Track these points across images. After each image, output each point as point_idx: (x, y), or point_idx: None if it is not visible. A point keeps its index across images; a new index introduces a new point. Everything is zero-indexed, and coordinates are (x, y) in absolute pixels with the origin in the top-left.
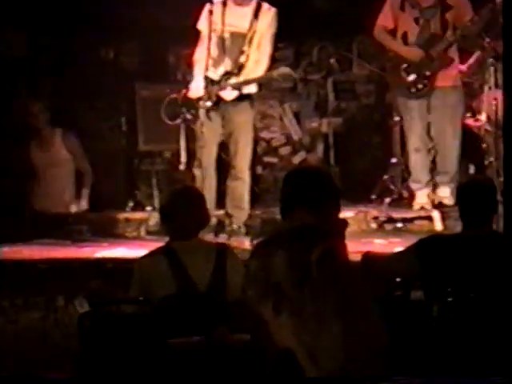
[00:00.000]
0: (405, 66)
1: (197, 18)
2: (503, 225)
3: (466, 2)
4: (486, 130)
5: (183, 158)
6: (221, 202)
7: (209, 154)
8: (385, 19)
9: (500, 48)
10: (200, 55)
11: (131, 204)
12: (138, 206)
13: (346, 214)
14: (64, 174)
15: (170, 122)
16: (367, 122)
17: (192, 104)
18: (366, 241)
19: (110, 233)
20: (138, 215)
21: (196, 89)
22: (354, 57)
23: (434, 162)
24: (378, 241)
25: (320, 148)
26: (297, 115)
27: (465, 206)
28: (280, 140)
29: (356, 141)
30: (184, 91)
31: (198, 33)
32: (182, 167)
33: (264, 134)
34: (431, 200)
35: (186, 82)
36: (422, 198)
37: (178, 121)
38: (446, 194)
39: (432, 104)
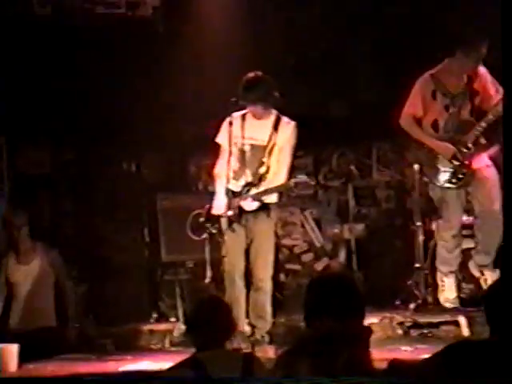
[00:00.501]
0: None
1: (216, 129)
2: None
3: (490, 85)
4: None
5: (209, 272)
6: None
7: (234, 265)
8: (414, 108)
9: None
10: (221, 169)
11: (155, 315)
12: (162, 318)
13: (370, 320)
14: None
15: (196, 238)
16: (388, 227)
17: (216, 219)
18: (392, 347)
19: (134, 345)
20: (162, 326)
21: (219, 205)
22: (373, 163)
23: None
24: (404, 347)
25: (342, 254)
26: (318, 222)
27: (491, 311)
28: (302, 247)
29: (378, 246)
30: (208, 206)
31: (217, 145)
32: (207, 281)
33: (286, 241)
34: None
35: (206, 193)
36: (450, 290)
37: (204, 235)
38: (484, 262)
39: (472, 186)
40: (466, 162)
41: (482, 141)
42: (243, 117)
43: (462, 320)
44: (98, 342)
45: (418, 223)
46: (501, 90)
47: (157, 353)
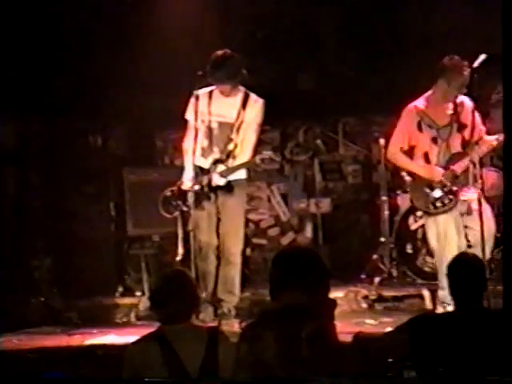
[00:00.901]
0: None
1: (183, 103)
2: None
3: (478, 119)
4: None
5: (180, 249)
6: None
7: (207, 240)
8: (399, 141)
9: None
10: (188, 145)
11: (121, 289)
12: (128, 292)
13: (335, 293)
14: None
15: (168, 215)
16: (355, 202)
17: (185, 195)
18: (357, 321)
19: (100, 319)
20: (128, 300)
21: (187, 180)
22: (339, 137)
23: None
24: (368, 321)
25: (309, 228)
26: (284, 196)
27: (454, 284)
28: (268, 221)
29: (344, 220)
30: (178, 184)
31: (185, 120)
32: (179, 258)
33: (252, 216)
34: None
35: (173, 167)
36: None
37: (176, 213)
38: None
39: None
40: (454, 189)
41: (475, 171)
42: (210, 94)
43: (426, 293)
44: (64, 316)
45: (384, 198)
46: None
47: (122, 327)
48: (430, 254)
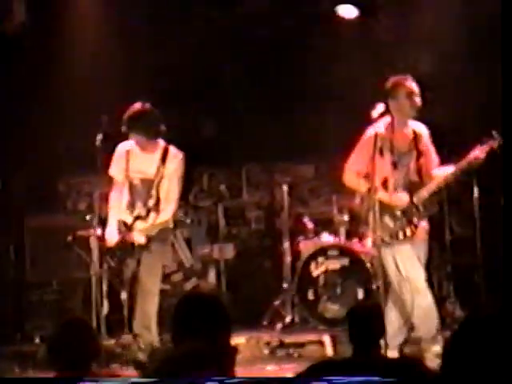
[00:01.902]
0: (392, 211)
1: (87, 147)
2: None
3: (431, 149)
4: (373, 254)
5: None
6: None
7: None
8: (358, 164)
9: None
10: (114, 201)
11: (19, 336)
12: (27, 339)
13: (237, 339)
14: None
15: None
16: (258, 248)
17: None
18: (259, 367)
19: None
20: (27, 348)
21: (110, 233)
22: (243, 183)
23: None
24: (270, 367)
25: (212, 274)
26: (188, 242)
27: (354, 331)
28: (172, 267)
29: (247, 266)
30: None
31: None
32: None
33: None
34: None
35: (75, 212)
36: None
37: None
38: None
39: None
40: (415, 220)
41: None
42: (130, 150)
43: (327, 339)
44: None
45: (286, 244)
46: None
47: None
48: (331, 300)
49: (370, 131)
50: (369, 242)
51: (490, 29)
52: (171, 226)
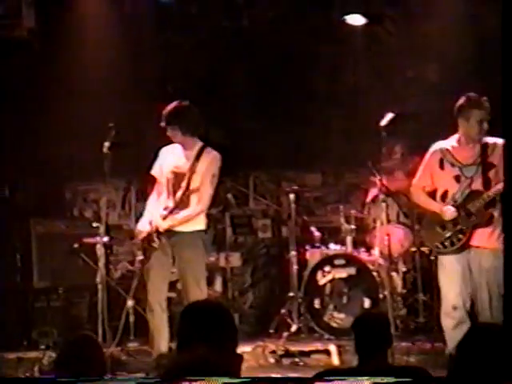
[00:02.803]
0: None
1: (94, 153)
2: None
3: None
4: (380, 264)
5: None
6: None
7: (156, 293)
8: (423, 180)
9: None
10: (152, 197)
11: (25, 343)
12: (33, 345)
13: (243, 348)
14: None
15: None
16: (264, 256)
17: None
18: (264, 376)
19: (3, 374)
20: (32, 354)
21: (141, 226)
22: (250, 191)
23: None
24: (275, 376)
25: (218, 282)
26: None
27: (360, 341)
28: (178, 274)
29: (253, 275)
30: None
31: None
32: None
33: None
34: None
35: (82, 218)
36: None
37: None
38: None
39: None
40: (465, 229)
41: (494, 213)
42: (170, 148)
43: (333, 348)
44: None
45: (293, 252)
46: None
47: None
48: (338, 309)
49: (434, 146)
50: (376, 251)
51: (496, 39)
52: (202, 227)
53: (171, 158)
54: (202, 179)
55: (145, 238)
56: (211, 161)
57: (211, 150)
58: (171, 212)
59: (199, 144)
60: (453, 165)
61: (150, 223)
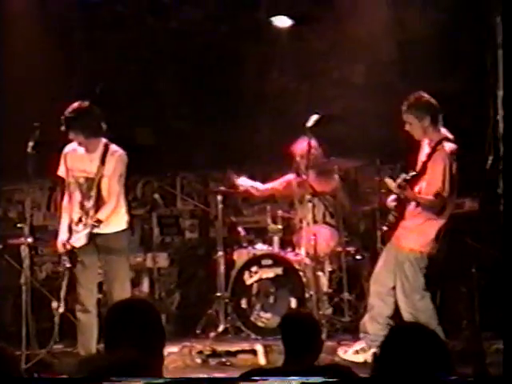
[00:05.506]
0: None
1: (19, 152)
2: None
3: None
4: (306, 264)
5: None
6: None
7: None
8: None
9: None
10: (66, 203)
11: None
12: None
13: (170, 348)
14: None
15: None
16: (191, 257)
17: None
18: (191, 376)
19: None
20: None
21: (59, 241)
22: (177, 192)
23: None
24: (201, 376)
25: (145, 283)
26: None
27: (286, 340)
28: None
29: (181, 275)
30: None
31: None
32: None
33: None
34: None
35: (6, 219)
36: None
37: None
38: None
39: None
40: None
41: None
42: (73, 150)
43: (259, 348)
44: None
45: (220, 253)
46: None
47: None
48: (264, 309)
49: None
50: (303, 251)
51: (418, 42)
52: (124, 227)
53: (78, 163)
54: (110, 181)
55: (66, 252)
56: (117, 161)
57: (116, 148)
58: (85, 225)
59: (103, 143)
60: None
61: (64, 245)
